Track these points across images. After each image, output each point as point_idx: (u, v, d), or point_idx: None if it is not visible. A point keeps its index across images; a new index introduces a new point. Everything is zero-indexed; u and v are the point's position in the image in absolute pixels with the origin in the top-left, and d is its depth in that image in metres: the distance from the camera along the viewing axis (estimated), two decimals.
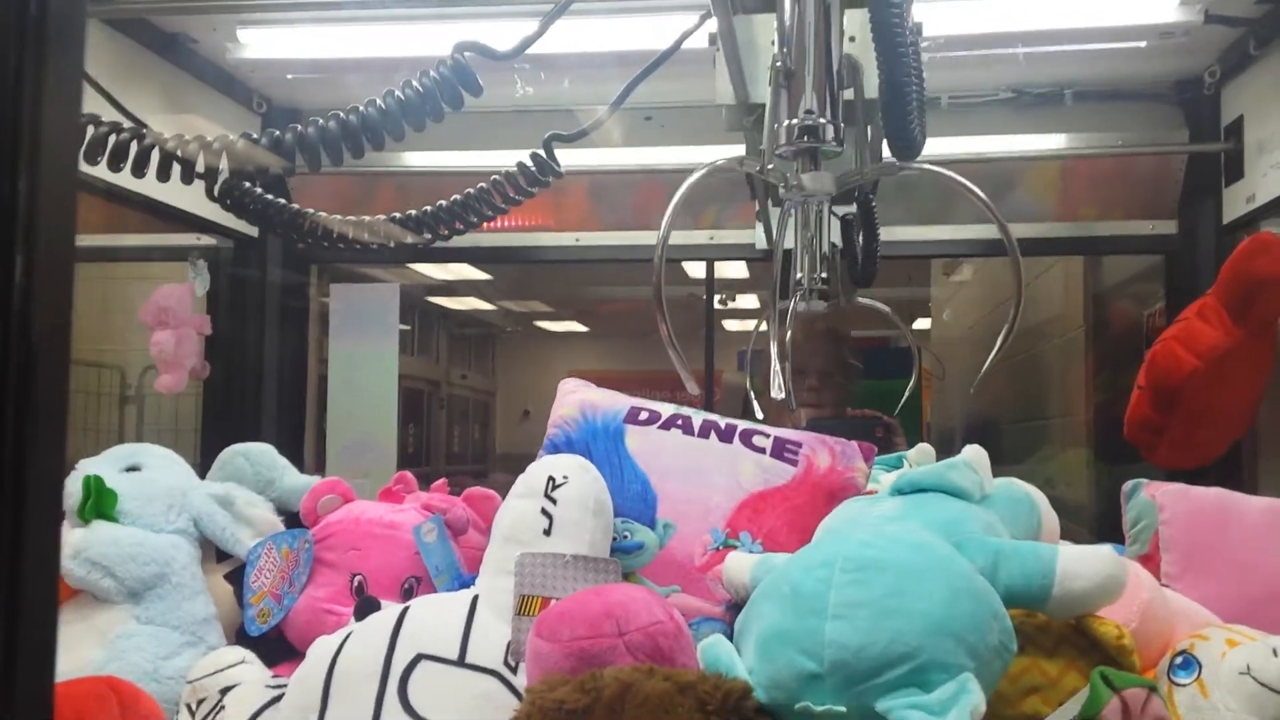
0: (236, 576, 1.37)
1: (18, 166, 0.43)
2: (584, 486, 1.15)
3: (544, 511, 1.12)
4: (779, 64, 1.15)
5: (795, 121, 1.13)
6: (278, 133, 1.41)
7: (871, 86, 1.21)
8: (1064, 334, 2.93)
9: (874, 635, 0.78)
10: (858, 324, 3.42)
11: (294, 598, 1.34)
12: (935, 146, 1.44)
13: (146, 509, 1.37)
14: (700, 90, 1.42)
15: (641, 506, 1.24)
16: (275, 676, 1.18)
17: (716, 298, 3.18)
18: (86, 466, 1.39)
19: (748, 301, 5.58)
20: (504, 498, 1.20)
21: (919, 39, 1.29)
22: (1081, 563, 0.86)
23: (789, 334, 1.64)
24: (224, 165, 1.47)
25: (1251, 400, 1.78)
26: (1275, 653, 0.90)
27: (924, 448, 1.66)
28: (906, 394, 2.13)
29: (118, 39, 2.00)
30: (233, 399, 2.48)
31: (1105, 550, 0.88)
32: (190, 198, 1.91)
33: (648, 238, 2.39)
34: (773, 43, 1.25)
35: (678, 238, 2.37)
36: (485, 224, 1.72)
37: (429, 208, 1.70)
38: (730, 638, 0.93)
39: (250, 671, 1.18)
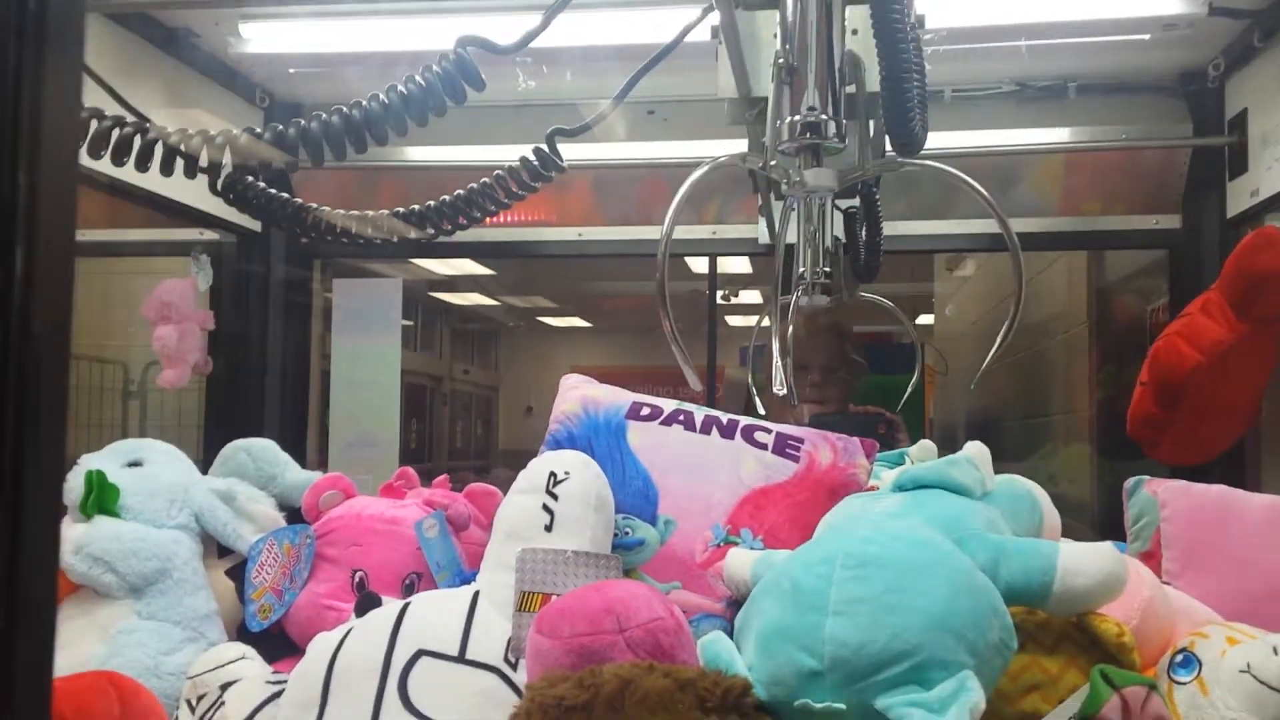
0: (238, 572, 1.38)
1: (18, 161, 0.43)
2: (585, 482, 1.15)
3: (545, 507, 1.12)
4: (781, 60, 1.14)
5: (798, 118, 1.13)
6: (280, 127, 1.41)
7: (873, 81, 1.21)
8: (1067, 329, 2.92)
9: (874, 632, 0.78)
10: (860, 319, 3.41)
11: (295, 593, 1.34)
12: (938, 140, 1.43)
13: (148, 504, 1.38)
14: (703, 84, 1.42)
15: (643, 502, 1.24)
16: (276, 672, 1.18)
17: (719, 293, 3.18)
18: (89, 461, 1.39)
19: (750, 297, 5.56)
20: (506, 493, 1.20)
21: (921, 32, 1.29)
22: (1082, 560, 0.86)
23: (791, 329, 1.63)
24: (227, 160, 1.47)
25: (1255, 396, 1.77)
26: (1275, 651, 0.89)
27: (926, 444, 1.65)
28: (909, 390, 2.13)
29: (120, 33, 2.01)
30: (235, 394, 2.49)
31: (1106, 547, 0.88)
32: (193, 192, 1.91)
33: (650, 232, 2.40)
34: (775, 37, 1.25)
35: (680, 232, 2.35)
36: (488, 219, 1.72)
37: (432, 202, 1.70)
38: (731, 634, 0.93)
39: (250, 667, 1.18)
